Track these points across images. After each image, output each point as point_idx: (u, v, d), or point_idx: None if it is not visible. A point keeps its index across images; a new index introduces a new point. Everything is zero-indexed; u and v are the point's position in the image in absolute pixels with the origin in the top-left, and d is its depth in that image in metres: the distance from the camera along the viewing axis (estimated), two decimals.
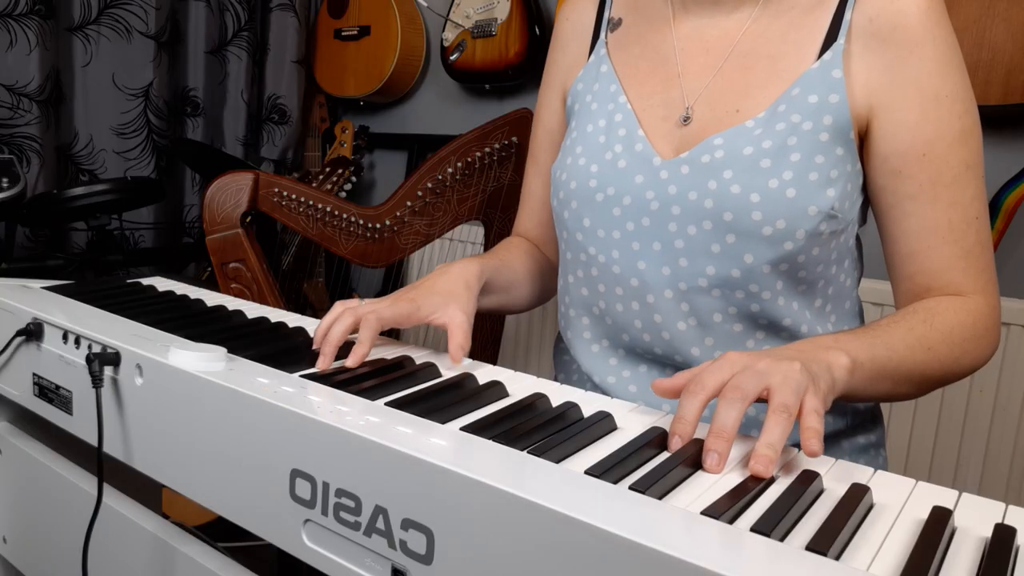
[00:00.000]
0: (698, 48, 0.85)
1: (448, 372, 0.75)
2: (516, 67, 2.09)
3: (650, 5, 0.90)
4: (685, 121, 0.83)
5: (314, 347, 0.77)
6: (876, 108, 0.77)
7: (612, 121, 0.87)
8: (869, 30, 0.77)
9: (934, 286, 0.79)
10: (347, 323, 0.77)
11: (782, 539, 0.46)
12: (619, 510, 0.46)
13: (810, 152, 0.76)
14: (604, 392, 0.88)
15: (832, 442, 0.85)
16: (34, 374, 0.83)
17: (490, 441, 0.56)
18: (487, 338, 1.64)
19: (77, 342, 0.77)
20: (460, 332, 0.79)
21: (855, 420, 0.87)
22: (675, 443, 0.58)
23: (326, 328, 0.77)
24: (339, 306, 0.80)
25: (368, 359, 0.76)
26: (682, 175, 0.80)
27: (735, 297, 0.80)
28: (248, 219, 1.45)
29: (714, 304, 0.81)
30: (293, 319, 0.93)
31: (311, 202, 1.46)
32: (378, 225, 1.49)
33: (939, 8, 0.76)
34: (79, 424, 0.78)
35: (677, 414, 0.60)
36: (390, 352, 0.80)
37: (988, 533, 0.48)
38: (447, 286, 0.84)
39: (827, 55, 0.77)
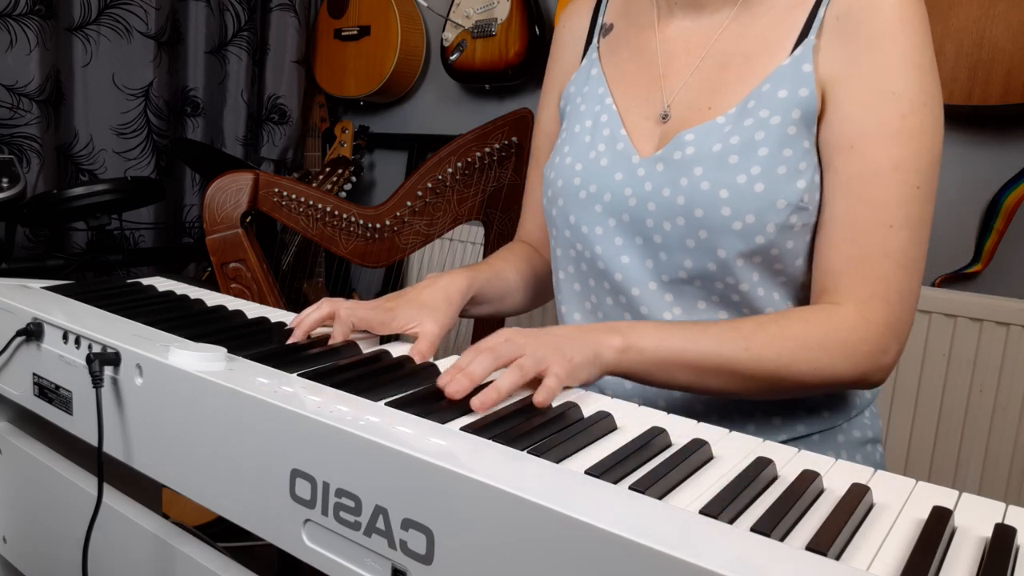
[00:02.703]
0: (680, 49, 0.88)
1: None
2: (516, 67, 2.09)
3: (638, 10, 0.93)
4: (664, 119, 0.85)
5: (289, 327, 0.83)
6: (827, 99, 0.78)
7: (598, 121, 0.90)
8: (837, 26, 0.78)
9: (827, 286, 0.77)
10: (323, 312, 0.82)
11: (782, 539, 0.46)
12: (619, 510, 0.45)
13: (778, 146, 0.77)
14: (600, 387, 0.89)
15: (829, 437, 0.86)
16: (34, 374, 0.83)
17: (490, 441, 0.56)
18: None
19: (77, 342, 0.77)
20: (425, 341, 0.81)
21: (852, 415, 0.87)
22: (449, 385, 0.65)
23: (302, 317, 0.83)
24: (322, 300, 0.84)
25: (368, 359, 0.77)
26: (657, 172, 0.82)
27: (716, 287, 0.81)
28: (248, 219, 1.45)
29: (697, 293, 0.82)
30: (293, 319, 0.93)
31: (311, 202, 1.46)
32: (378, 225, 1.49)
33: (911, 8, 0.75)
34: (79, 424, 0.78)
35: (451, 367, 0.68)
36: (391, 352, 0.80)
37: (988, 533, 0.48)
38: (428, 299, 0.86)
39: (798, 51, 0.79)
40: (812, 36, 0.78)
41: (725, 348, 0.73)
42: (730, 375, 0.74)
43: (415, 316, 0.84)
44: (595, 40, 0.96)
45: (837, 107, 0.77)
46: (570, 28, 1.01)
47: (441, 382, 0.66)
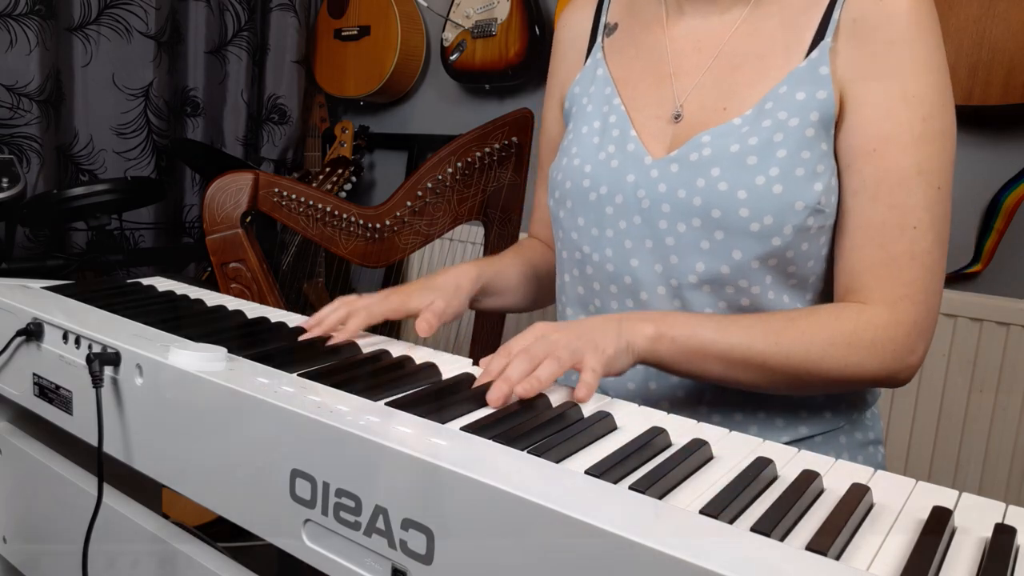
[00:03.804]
0: (690, 48, 0.87)
1: (448, 372, 0.75)
2: (516, 67, 2.09)
3: (645, 8, 0.92)
4: (676, 119, 0.85)
5: (305, 326, 0.85)
6: (845, 103, 0.78)
7: (606, 122, 0.89)
8: (853, 29, 0.77)
9: (852, 287, 0.78)
10: (341, 314, 0.85)
11: (782, 539, 0.46)
12: (619, 510, 0.46)
13: (796, 148, 0.77)
14: (602, 390, 0.89)
15: (831, 438, 0.86)
16: (34, 374, 0.83)
17: (490, 441, 0.56)
18: (487, 338, 1.64)
19: (77, 342, 0.77)
20: (431, 311, 0.86)
21: (853, 417, 0.87)
22: (489, 393, 0.66)
23: (321, 317, 0.86)
24: (338, 301, 0.87)
25: (368, 359, 0.77)
26: (671, 173, 0.81)
27: (725, 292, 0.81)
28: (248, 219, 1.45)
29: (705, 299, 0.82)
30: (293, 319, 0.93)
31: (311, 202, 1.46)
32: (378, 225, 1.49)
33: (924, 12, 0.76)
34: (79, 424, 0.78)
35: (485, 370, 0.70)
36: (391, 352, 0.80)
37: (988, 533, 0.48)
38: (440, 284, 0.92)
39: (814, 53, 0.78)
40: (828, 38, 0.78)
41: (756, 342, 0.74)
42: (759, 369, 0.75)
43: (428, 298, 0.88)
44: (599, 39, 0.95)
45: (856, 111, 0.77)
46: (571, 28, 1.00)
47: (479, 384, 0.68)
